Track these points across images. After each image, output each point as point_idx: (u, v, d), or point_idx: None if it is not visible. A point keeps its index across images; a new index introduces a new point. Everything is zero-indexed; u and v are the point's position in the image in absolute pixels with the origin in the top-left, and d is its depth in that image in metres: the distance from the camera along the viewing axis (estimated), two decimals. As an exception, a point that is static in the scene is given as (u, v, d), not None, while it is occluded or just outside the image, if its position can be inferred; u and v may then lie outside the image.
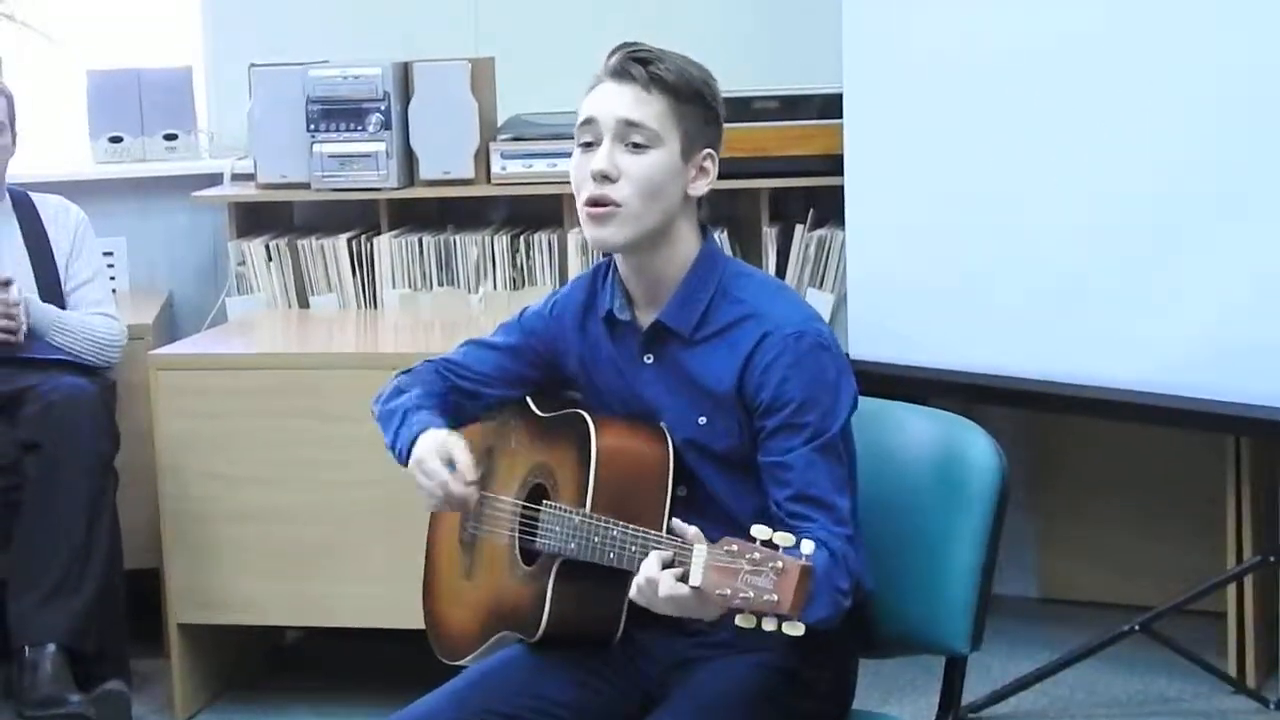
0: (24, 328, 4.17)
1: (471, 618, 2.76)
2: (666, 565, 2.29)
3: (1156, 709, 4.18)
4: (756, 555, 2.18)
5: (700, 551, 2.24)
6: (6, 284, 4.17)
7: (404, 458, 2.64)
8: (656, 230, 2.54)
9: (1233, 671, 4.21)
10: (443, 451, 2.59)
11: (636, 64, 2.51)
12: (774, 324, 2.50)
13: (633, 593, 2.33)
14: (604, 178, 2.51)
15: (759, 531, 2.21)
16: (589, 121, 2.54)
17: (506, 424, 2.78)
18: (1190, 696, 4.23)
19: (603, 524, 2.46)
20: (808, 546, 2.19)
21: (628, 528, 2.41)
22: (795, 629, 2.18)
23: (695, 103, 2.54)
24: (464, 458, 2.58)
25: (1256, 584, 4.20)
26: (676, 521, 2.35)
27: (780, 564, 2.16)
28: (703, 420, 2.56)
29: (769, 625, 2.18)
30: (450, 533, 2.84)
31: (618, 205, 2.50)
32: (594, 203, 2.52)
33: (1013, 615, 4.76)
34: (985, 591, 2.61)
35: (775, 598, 2.16)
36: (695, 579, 2.23)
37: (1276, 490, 4.15)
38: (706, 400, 2.55)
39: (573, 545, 2.51)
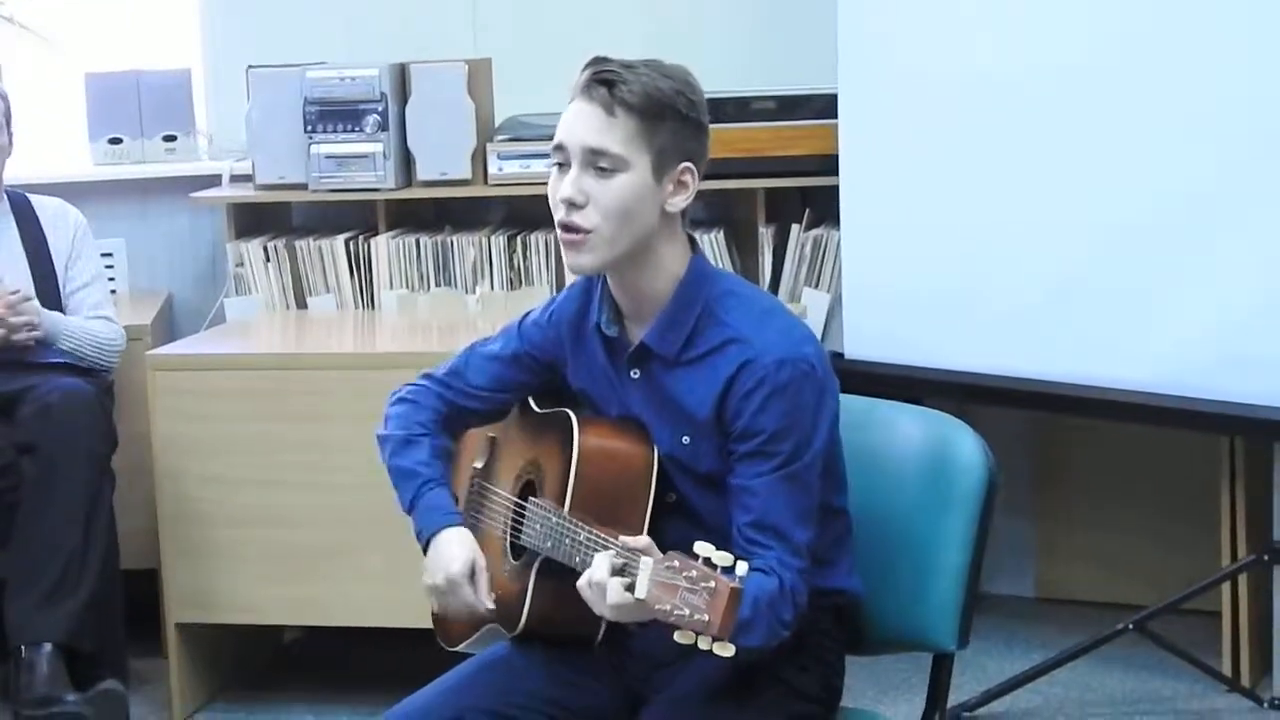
0: (37, 331, 4.20)
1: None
2: (616, 572, 2.29)
3: (1151, 708, 4.19)
4: (694, 573, 2.18)
5: (647, 564, 2.24)
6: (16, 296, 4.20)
7: (422, 541, 2.66)
8: (633, 251, 2.51)
9: (1227, 670, 4.21)
10: (466, 566, 2.60)
11: (600, 86, 2.47)
12: (755, 351, 2.47)
13: (580, 583, 2.34)
14: (571, 204, 2.49)
15: (701, 549, 2.20)
16: (559, 146, 2.51)
17: (509, 416, 2.81)
18: (1184, 695, 4.23)
19: (574, 526, 2.46)
20: (741, 568, 2.18)
21: (594, 533, 2.40)
22: (725, 649, 2.17)
23: (667, 118, 2.48)
24: (484, 581, 2.61)
25: (1251, 583, 4.21)
26: (625, 538, 2.35)
27: (713, 584, 2.16)
28: (686, 440, 2.55)
29: (703, 644, 2.18)
30: None
31: (587, 231, 2.48)
32: (564, 227, 2.50)
33: (1009, 615, 4.78)
34: (972, 589, 2.61)
35: (706, 617, 2.16)
36: (640, 591, 2.23)
37: (1271, 490, 4.15)
38: (689, 422, 2.54)
39: (549, 544, 2.52)
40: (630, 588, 2.25)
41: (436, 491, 2.68)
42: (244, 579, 4.17)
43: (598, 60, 2.51)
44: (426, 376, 2.79)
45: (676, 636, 2.20)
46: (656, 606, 2.20)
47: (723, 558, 2.18)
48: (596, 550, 2.37)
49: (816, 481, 2.49)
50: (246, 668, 4.52)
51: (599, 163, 2.47)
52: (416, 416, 2.74)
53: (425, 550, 2.66)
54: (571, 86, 2.52)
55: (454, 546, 2.62)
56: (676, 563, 2.21)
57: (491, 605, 2.60)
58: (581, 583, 2.34)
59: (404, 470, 2.71)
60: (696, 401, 2.52)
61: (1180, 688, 4.26)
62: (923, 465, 2.67)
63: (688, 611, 2.17)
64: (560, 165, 2.52)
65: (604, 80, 2.47)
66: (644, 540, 2.31)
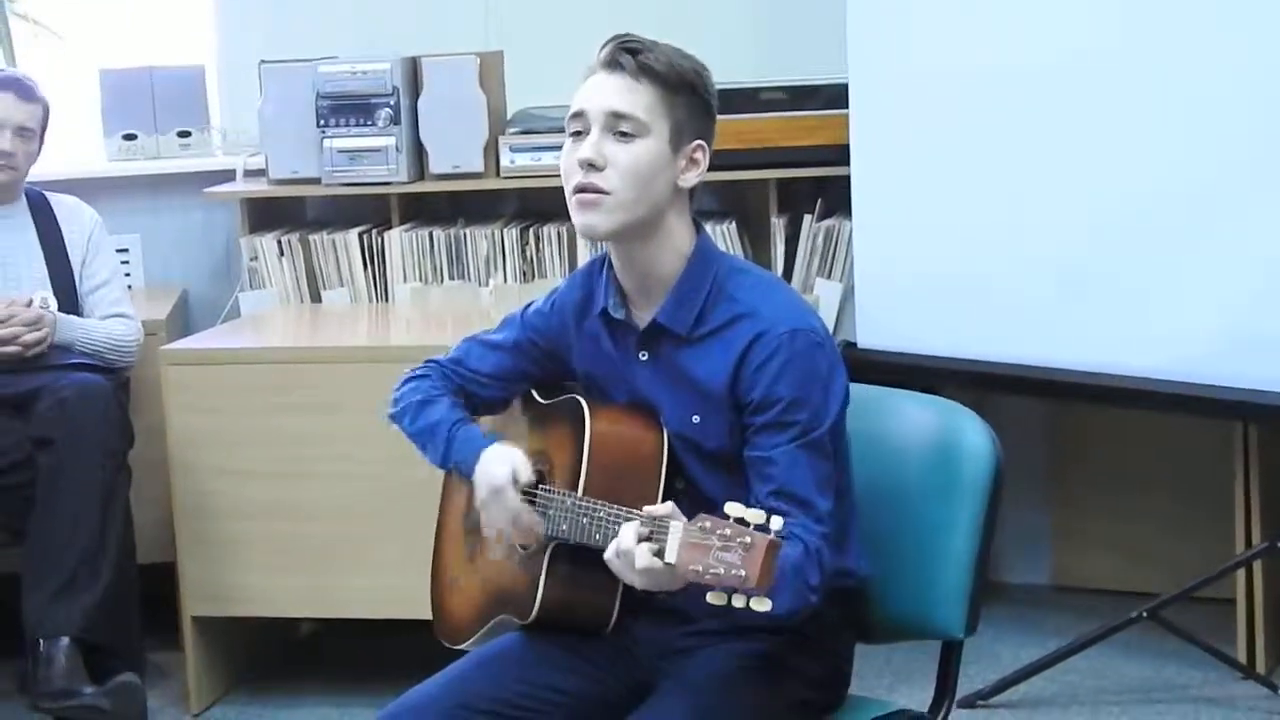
0: (49, 339, 4.22)
1: (472, 601, 2.79)
2: (643, 539, 2.31)
3: (1165, 695, 4.18)
4: (727, 531, 2.20)
5: (676, 528, 2.25)
6: (27, 304, 4.22)
7: (467, 477, 2.66)
8: (645, 221, 2.53)
9: (1242, 658, 4.21)
10: (513, 474, 2.59)
11: (626, 54, 2.51)
12: (768, 323, 2.50)
13: (608, 554, 2.35)
14: (590, 166, 2.51)
15: (731, 508, 2.22)
16: (579, 114, 2.54)
17: (512, 409, 2.81)
18: (1199, 683, 4.23)
19: (592, 505, 2.47)
20: (776, 523, 2.20)
21: (614, 508, 2.43)
22: (762, 604, 2.19)
23: (685, 93, 2.53)
24: (526, 467, 2.61)
25: (1265, 570, 4.20)
26: (648, 507, 2.36)
27: (748, 539, 2.18)
28: (696, 419, 2.56)
29: (738, 602, 2.19)
30: (456, 518, 2.87)
31: (606, 193, 2.51)
32: (581, 189, 2.52)
33: (1024, 603, 4.79)
34: (981, 577, 2.61)
35: (743, 573, 2.17)
36: (671, 556, 2.24)
37: (1285, 476, 4.16)
38: (700, 399, 2.56)
39: (564, 527, 2.53)
40: (659, 553, 2.27)
41: (463, 430, 2.69)
42: (259, 572, 4.19)
43: (621, 35, 2.55)
44: (431, 361, 2.81)
45: (710, 597, 2.21)
46: (690, 568, 2.22)
47: (756, 515, 2.20)
48: (620, 523, 2.38)
49: (831, 451, 2.51)
50: (263, 660, 4.54)
51: (620, 127, 2.51)
52: (426, 385, 2.76)
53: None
54: (589, 64, 2.55)
55: (494, 463, 2.61)
56: (708, 523, 2.22)
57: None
58: (609, 553, 2.35)
59: (427, 428, 2.72)
60: (709, 376, 2.54)
61: (1195, 675, 4.26)
62: (930, 453, 2.67)
63: (723, 570, 2.18)
64: (576, 135, 2.55)
65: (629, 49, 2.51)
66: (667, 506, 2.34)
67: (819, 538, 2.44)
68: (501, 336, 2.78)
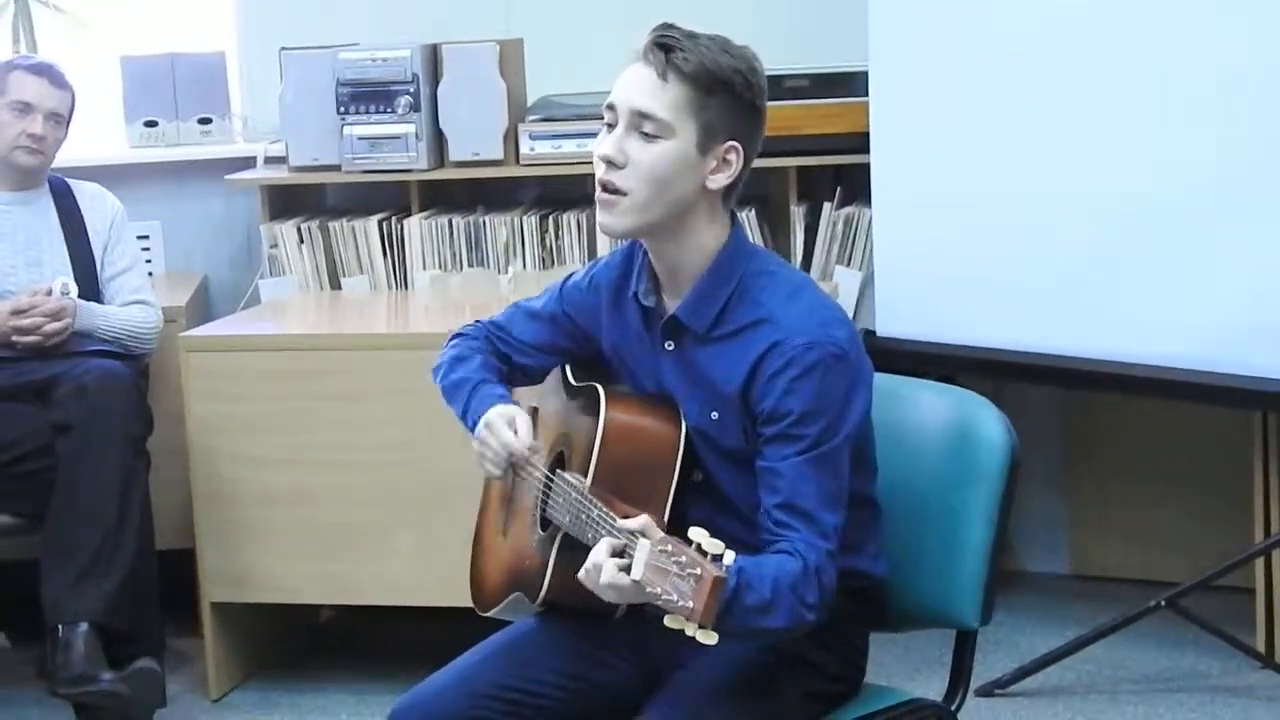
0: (70, 328, 4.24)
1: (497, 573, 2.80)
2: (616, 553, 2.29)
3: (1183, 684, 4.18)
4: (684, 559, 2.17)
5: (644, 546, 2.23)
6: (48, 293, 4.24)
7: (474, 426, 2.68)
8: (664, 221, 2.50)
9: (1260, 647, 4.20)
10: (508, 417, 2.63)
11: (658, 50, 2.46)
12: (785, 333, 2.46)
13: (580, 574, 2.34)
14: (610, 163, 2.49)
15: (694, 534, 2.19)
16: (611, 105, 2.51)
17: (555, 386, 2.82)
18: (1218, 672, 4.22)
19: (588, 503, 2.46)
20: (729, 558, 2.17)
21: (605, 511, 2.41)
22: (708, 637, 2.17)
23: (719, 93, 2.47)
24: (525, 423, 2.63)
25: (1284, 559, 4.20)
26: (622, 521, 2.34)
27: (699, 571, 2.15)
28: (715, 415, 2.54)
29: (689, 630, 2.17)
30: (498, 489, 2.86)
31: (623, 193, 2.48)
32: (601, 187, 2.51)
33: (1043, 591, 4.78)
34: (995, 566, 2.61)
35: (690, 604, 2.15)
36: (636, 573, 2.22)
37: (1303, 465, 4.15)
38: (717, 398, 2.53)
39: (567, 519, 2.53)
40: (627, 569, 2.25)
41: (485, 388, 2.70)
42: (278, 558, 4.20)
43: (663, 25, 2.50)
44: (479, 321, 2.82)
45: (666, 621, 2.19)
46: (648, 589, 2.20)
47: (713, 545, 2.17)
48: (601, 527, 2.38)
49: (846, 464, 2.47)
50: (282, 646, 4.55)
51: (644, 126, 2.47)
52: (467, 344, 2.78)
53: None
54: (635, 49, 2.51)
55: (497, 408, 2.65)
56: (670, 547, 2.20)
57: (527, 446, 2.61)
58: (581, 574, 2.34)
59: (454, 383, 2.74)
60: (725, 379, 2.52)
61: (1213, 664, 4.25)
62: (946, 442, 2.67)
63: (676, 597, 2.16)
64: (610, 126, 2.52)
65: (663, 45, 2.46)
66: (639, 521, 2.30)
67: (822, 555, 2.41)
68: (541, 305, 2.78)
